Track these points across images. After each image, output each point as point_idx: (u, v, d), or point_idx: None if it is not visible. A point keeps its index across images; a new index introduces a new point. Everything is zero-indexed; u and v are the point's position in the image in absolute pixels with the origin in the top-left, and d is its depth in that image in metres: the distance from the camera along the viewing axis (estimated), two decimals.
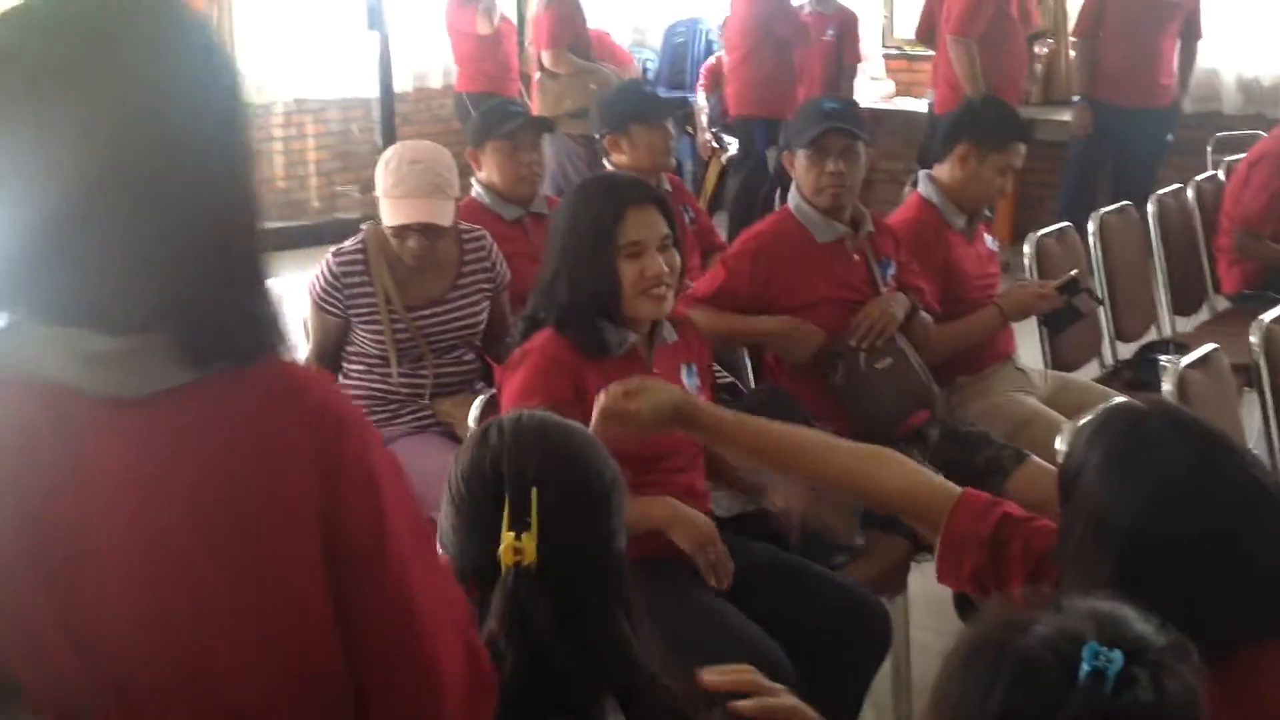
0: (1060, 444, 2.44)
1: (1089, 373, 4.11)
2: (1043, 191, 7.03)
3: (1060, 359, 4.02)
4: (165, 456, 1.17)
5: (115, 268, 1.14)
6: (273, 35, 7.29)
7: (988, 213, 3.69)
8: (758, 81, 6.59)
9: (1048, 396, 3.60)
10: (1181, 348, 4.02)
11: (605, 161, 3.99)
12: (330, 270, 3.17)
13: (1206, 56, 6.94)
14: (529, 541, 1.46)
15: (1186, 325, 4.78)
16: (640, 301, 2.54)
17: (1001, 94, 6.31)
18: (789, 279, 3.19)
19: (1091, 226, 4.33)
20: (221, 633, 1.19)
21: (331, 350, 3.22)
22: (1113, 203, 4.71)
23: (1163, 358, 3.95)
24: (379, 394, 3.23)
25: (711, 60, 7.96)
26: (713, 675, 1.58)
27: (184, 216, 1.15)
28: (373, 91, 8.07)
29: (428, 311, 3.20)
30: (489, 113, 3.79)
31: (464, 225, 3.33)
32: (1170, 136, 6.23)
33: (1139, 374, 3.99)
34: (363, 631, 1.23)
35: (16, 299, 1.16)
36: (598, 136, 3.98)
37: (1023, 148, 3.52)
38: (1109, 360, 4.29)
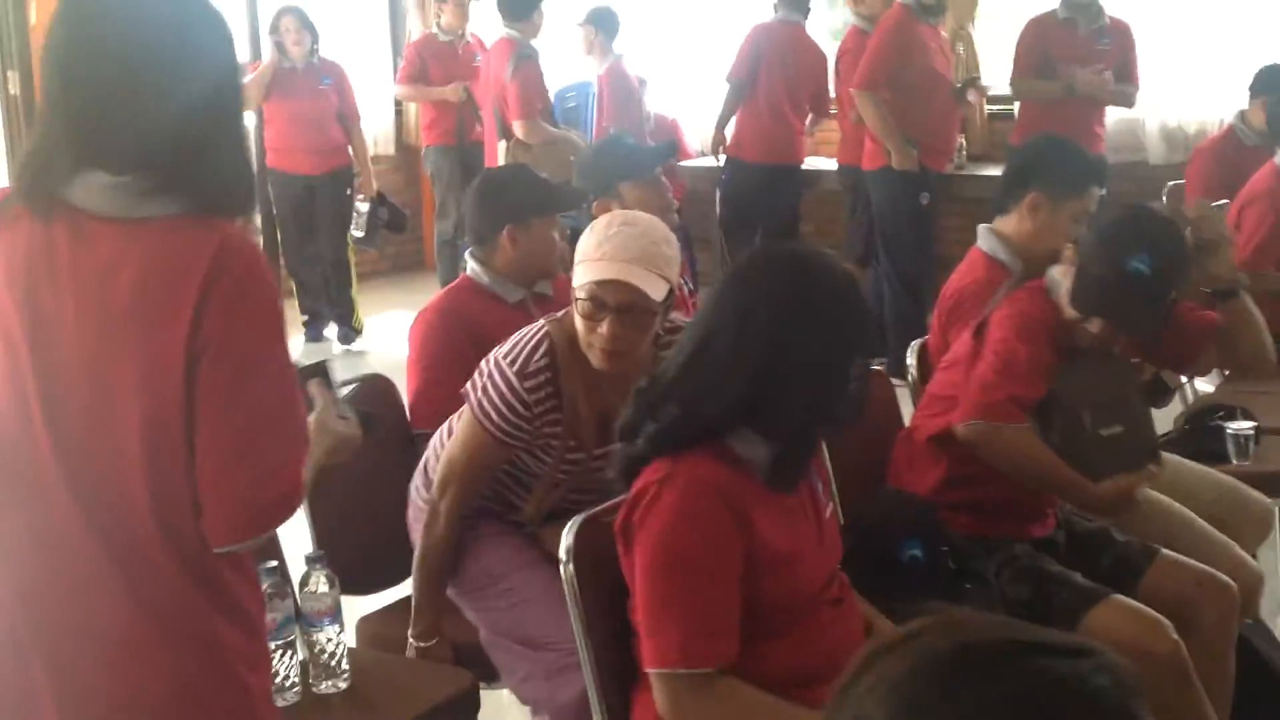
0: None
1: None
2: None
3: None
4: (119, 260, 1.63)
5: (128, 127, 1.64)
6: None
7: None
8: None
9: None
10: (1244, 413, 3.66)
11: None
12: (521, 399, 2.49)
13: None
14: None
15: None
16: None
17: (930, 154, 6.06)
18: None
19: None
20: (116, 390, 1.63)
21: (482, 477, 2.63)
22: None
23: (1231, 425, 3.59)
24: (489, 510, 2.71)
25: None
26: None
27: (174, 103, 1.64)
28: None
29: (606, 447, 2.49)
30: (532, 187, 3.19)
31: (673, 319, 2.58)
32: (1103, 190, 5.98)
33: (1203, 443, 3.59)
34: (206, 425, 1.63)
35: (74, 148, 1.64)
36: (583, 205, 3.46)
37: (1099, 191, 3.12)
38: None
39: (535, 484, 2.63)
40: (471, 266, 3.12)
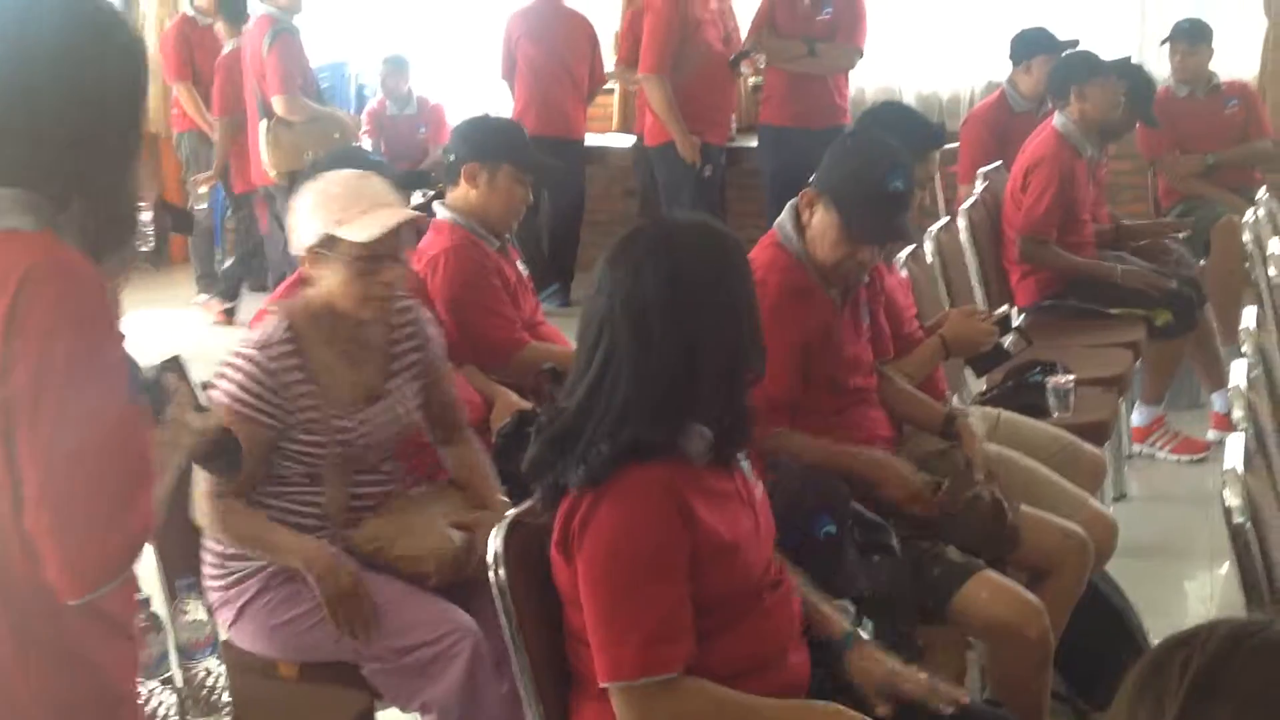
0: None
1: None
2: (747, 221, 6.79)
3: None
4: None
5: None
6: None
7: None
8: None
9: (986, 435, 3.23)
10: (1063, 367, 3.79)
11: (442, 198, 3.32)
12: (263, 368, 2.37)
13: (886, 75, 7.01)
14: None
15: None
16: None
17: (709, 127, 6.07)
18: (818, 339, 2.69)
19: (930, 246, 4.04)
20: None
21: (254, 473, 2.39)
22: None
23: (1051, 379, 3.71)
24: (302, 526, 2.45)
25: (372, 104, 7.26)
26: None
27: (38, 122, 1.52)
28: None
29: (367, 412, 2.48)
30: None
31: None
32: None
33: (1024, 399, 3.70)
34: (34, 478, 1.46)
35: None
36: (453, 157, 3.29)
37: (936, 154, 3.17)
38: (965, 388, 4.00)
39: (322, 471, 2.45)
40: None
